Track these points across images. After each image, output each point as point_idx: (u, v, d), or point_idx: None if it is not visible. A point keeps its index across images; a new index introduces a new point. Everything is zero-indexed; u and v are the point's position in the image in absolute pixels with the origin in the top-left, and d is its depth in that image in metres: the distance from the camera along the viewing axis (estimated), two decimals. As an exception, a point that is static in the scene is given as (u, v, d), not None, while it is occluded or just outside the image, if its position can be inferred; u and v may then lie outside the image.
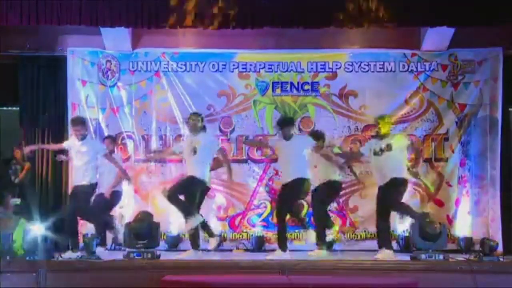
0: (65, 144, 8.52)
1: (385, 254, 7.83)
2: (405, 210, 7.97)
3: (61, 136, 9.77)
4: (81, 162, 8.12)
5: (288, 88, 9.91)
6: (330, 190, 8.74)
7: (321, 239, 8.41)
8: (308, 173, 8.04)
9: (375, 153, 8.10)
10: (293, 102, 9.90)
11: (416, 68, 9.85)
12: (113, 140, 9.27)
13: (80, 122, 8.34)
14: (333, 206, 9.54)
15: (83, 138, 8.18)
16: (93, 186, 8.22)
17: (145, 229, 7.70)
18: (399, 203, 8.00)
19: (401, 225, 9.32)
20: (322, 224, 8.55)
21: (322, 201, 8.71)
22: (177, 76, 9.87)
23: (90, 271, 6.88)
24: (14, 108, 10.20)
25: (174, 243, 9.51)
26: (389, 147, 8.00)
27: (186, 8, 8.25)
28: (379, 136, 8.16)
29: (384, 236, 8.12)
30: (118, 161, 8.69)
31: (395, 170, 7.95)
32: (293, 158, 7.97)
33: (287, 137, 8.05)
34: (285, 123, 8.18)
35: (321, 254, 8.21)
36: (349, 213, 9.76)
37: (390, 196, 7.94)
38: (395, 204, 7.97)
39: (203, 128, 8.06)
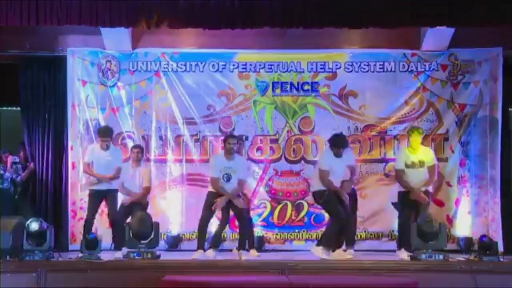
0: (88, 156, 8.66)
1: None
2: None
3: (61, 136, 9.80)
4: (105, 170, 8.39)
5: (288, 88, 9.91)
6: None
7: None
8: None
9: (407, 166, 8.23)
10: (293, 102, 9.90)
11: (416, 68, 9.84)
12: (141, 150, 9.09)
13: (109, 132, 8.65)
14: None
15: (108, 147, 8.48)
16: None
17: (145, 229, 7.70)
18: None
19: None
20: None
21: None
22: (177, 76, 9.86)
23: (90, 271, 6.87)
24: (15, 108, 10.20)
25: (174, 243, 9.53)
26: (421, 164, 8.21)
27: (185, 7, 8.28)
28: (413, 148, 8.30)
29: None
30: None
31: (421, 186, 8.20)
32: (341, 172, 8.14)
33: (338, 155, 8.15)
34: (338, 143, 8.20)
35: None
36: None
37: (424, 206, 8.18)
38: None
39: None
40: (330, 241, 8.09)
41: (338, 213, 8.04)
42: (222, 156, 8.43)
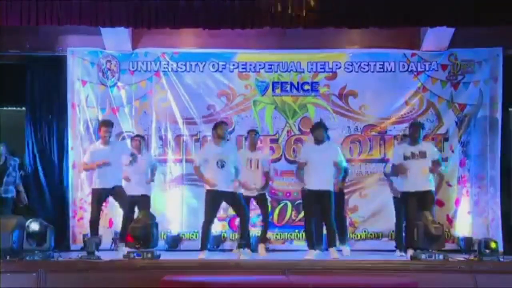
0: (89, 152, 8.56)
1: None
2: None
3: (61, 136, 9.80)
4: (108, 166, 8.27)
5: (288, 88, 9.91)
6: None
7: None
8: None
9: (406, 158, 8.14)
10: (293, 102, 9.91)
11: (416, 68, 9.85)
12: (143, 139, 9.18)
13: (110, 124, 8.55)
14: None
15: (108, 141, 8.40)
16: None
17: (144, 230, 7.69)
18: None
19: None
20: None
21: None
22: (177, 76, 9.87)
23: (90, 271, 6.87)
24: (15, 108, 10.20)
25: (174, 243, 9.52)
26: (422, 154, 8.11)
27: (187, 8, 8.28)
28: (412, 140, 8.22)
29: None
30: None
31: (424, 180, 8.08)
32: (321, 164, 8.04)
33: (317, 140, 8.15)
34: (313, 127, 8.31)
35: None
36: (349, 213, 9.71)
37: (428, 206, 7.98)
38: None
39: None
40: (310, 238, 8.15)
41: (306, 214, 8.28)
42: (210, 143, 8.42)
